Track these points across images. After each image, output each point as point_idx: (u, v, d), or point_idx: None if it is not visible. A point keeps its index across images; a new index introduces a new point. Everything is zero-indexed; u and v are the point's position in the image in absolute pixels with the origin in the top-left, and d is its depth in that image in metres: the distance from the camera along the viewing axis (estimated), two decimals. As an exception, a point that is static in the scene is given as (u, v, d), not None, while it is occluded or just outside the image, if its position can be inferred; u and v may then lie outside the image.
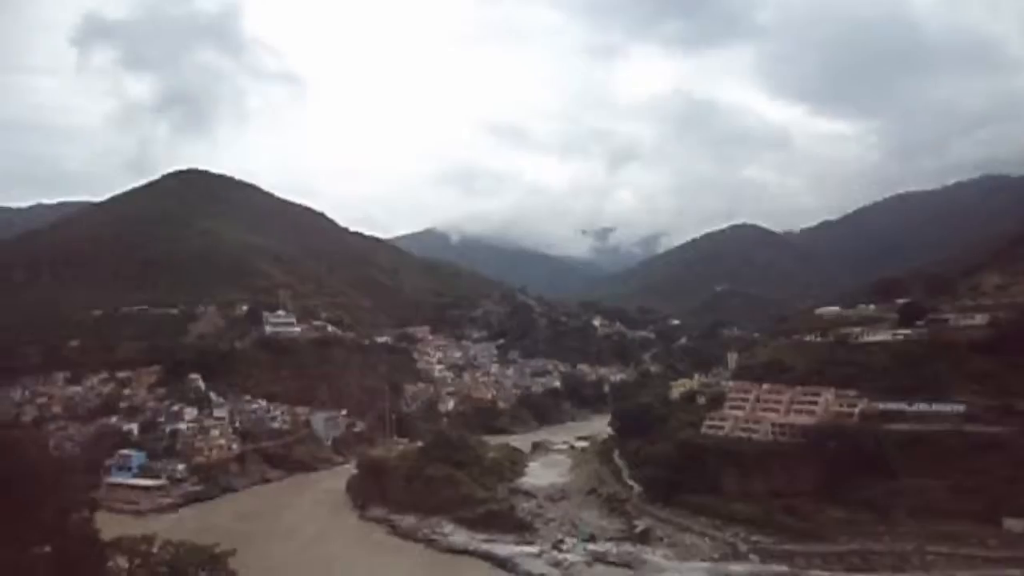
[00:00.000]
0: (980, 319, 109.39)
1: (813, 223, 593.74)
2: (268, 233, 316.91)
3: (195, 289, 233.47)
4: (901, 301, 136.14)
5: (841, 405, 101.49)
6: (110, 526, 51.83)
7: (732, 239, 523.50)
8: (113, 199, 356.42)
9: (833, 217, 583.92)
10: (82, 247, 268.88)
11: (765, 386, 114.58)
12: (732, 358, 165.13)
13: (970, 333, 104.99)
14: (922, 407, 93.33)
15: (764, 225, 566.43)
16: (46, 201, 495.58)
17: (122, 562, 42.54)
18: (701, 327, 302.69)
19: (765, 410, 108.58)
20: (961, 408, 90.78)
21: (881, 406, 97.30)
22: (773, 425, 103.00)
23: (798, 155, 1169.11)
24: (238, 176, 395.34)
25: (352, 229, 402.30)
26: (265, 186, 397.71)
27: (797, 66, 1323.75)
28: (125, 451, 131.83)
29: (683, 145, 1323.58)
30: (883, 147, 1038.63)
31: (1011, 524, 76.68)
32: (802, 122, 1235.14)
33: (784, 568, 79.70)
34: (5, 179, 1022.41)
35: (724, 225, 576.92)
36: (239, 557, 50.01)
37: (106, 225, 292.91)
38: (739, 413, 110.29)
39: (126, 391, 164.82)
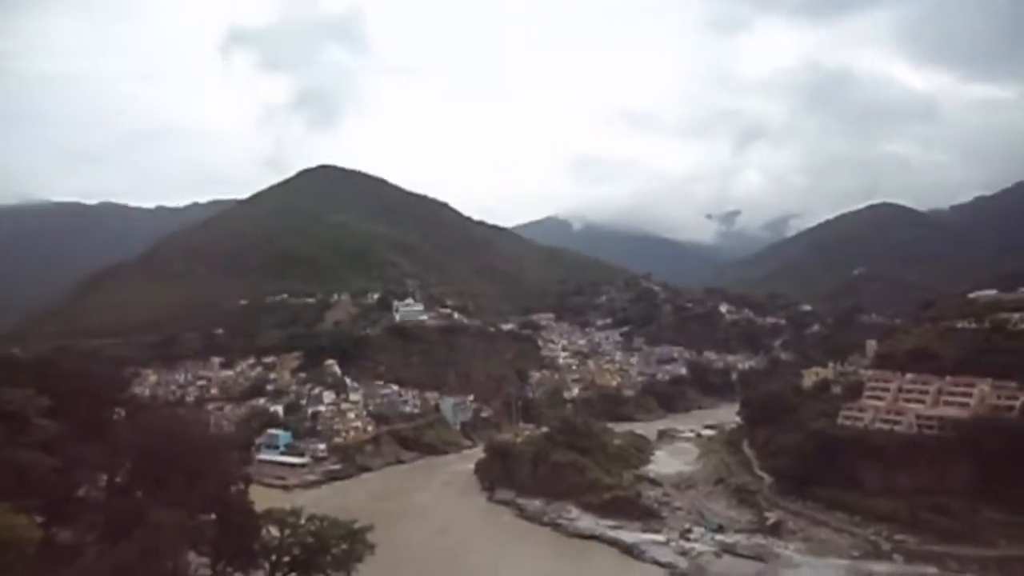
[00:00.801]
0: None
1: (964, 199, 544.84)
2: (395, 224, 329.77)
3: (329, 279, 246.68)
4: None
5: (999, 397, 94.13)
6: (261, 499, 56.41)
7: (870, 219, 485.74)
8: (255, 196, 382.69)
9: (988, 192, 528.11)
10: (229, 242, 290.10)
11: (909, 376, 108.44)
12: (871, 346, 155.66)
13: None
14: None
15: (907, 204, 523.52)
16: (200, 200, 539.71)
17: (274, 531, 45.56)
18: (835, 313, 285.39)
19: (909, 401, 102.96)
20: None
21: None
22: (918, 417, 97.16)
23: (946, 126, 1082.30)
24: (366, 170, 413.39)
25: (475, 219, 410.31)
26: (391, 179, 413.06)
27: (945, 28, 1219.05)
28: (273, 430, 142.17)
29: (814, 121, 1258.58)
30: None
31: None
32: (951, 90, 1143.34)
33: (933, 570, 75.54)
34: (166, 182, 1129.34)
35: (861, 205, 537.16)
36: (376, 533, 52.45)
37: (249, 220, 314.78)
38: (879, 404, 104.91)
39: (271, 375, 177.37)
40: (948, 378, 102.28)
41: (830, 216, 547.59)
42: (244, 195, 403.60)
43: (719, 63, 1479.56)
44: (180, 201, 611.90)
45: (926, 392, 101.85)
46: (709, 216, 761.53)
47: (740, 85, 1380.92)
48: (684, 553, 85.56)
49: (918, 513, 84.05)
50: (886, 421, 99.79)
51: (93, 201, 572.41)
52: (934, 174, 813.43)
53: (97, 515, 40.05)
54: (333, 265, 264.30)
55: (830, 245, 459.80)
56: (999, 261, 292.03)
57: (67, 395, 44.67)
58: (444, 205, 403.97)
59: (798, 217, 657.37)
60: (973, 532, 79.07)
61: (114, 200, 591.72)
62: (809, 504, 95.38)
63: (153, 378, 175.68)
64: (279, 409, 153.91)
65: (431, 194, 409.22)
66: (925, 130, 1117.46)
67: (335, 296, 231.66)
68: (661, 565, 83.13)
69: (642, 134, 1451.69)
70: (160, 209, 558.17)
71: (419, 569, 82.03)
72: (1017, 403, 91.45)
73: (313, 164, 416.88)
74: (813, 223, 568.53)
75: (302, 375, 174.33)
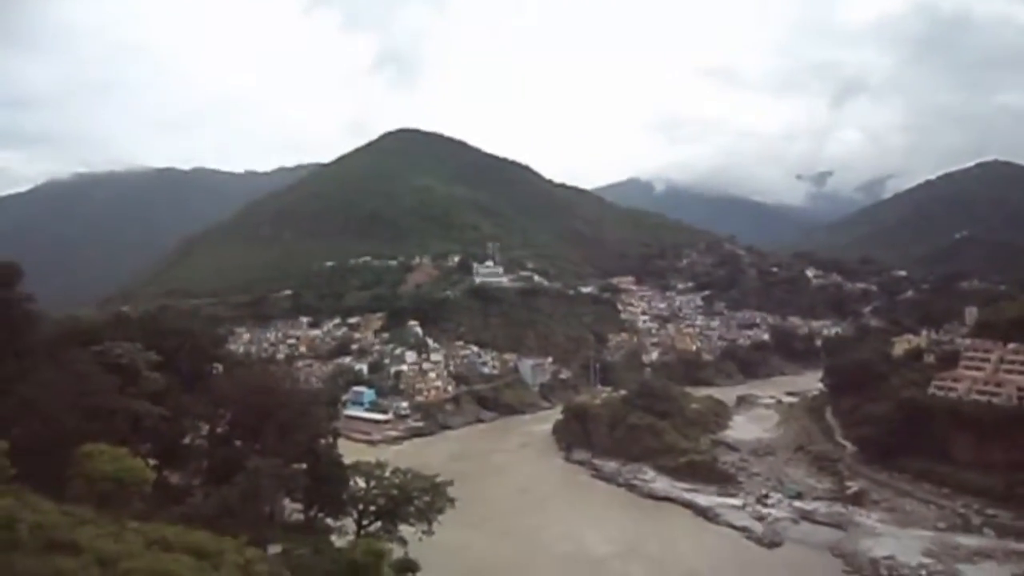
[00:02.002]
0: None
1: None
2: (476, 187, 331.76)
3: (411, 241, 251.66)
4: None
5: None
6: (349, 451, 59.37)
7: (978, 179, 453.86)
8: (339, 160, 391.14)
9: None
10: (314, 205, 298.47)
11: (1012, 346, 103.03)
12: (971, 313, 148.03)
13: None
14: None
15: (1022, 162, 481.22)
16: (286, 165, 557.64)
17: (361, 482, 47.93)
18: (933, 279, 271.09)
19: (1011, 373, 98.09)
20: None
21: None
22: (1020, 389, 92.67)
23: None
24: (447, 132, 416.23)
25: (556, 181, 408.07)
26: (472, 141, 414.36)
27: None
28: (358, 388, 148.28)
29: (921, 73, 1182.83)
30: None
31: None
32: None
33: (1025, 546, 72.17)
34: (254, 147, 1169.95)
35: (969, 163, 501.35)
36: (456, 488, 54.44)
37: (333, 184, 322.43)
38: (977, 374, 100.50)
39: (356, 335, 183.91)
40: None
41: (932, 176, 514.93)
42: (328, 159, 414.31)
43: (816, 11, 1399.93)
44: (267, 166, 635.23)
45: None
46: (799, 177, 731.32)
47: (840, 35, 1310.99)
48: (760, 518, 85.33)
49: (1014, 488, 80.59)
50: (983, 392, 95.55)
51: (187, 167, 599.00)
52: None
53: (202, 461, 43.47)
54: (415, 228, 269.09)
55: (931, 207, 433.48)
56: None
57: (171, 350, 47.88)
58: (525, 167, 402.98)
59: (897, 178, 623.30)
60: (1074, 510, 75.46)
61: (206, 166, 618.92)
62: (894, 475, 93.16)
63: (246, 336, 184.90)
64: (364, 368, 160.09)
65: (512, 156, 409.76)
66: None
67: (416, 259, 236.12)
68: (736, 528, 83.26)
69: (729, 91, 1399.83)
70: (248, 174, 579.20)
71: (500, 523, 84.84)
72: None
73: (395, 127, 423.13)
74: (912, 184, 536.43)
75: (385, 335, 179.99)
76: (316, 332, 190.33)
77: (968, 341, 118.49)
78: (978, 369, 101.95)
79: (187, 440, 44.31)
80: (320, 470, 44.16)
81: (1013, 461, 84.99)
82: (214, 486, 37.84)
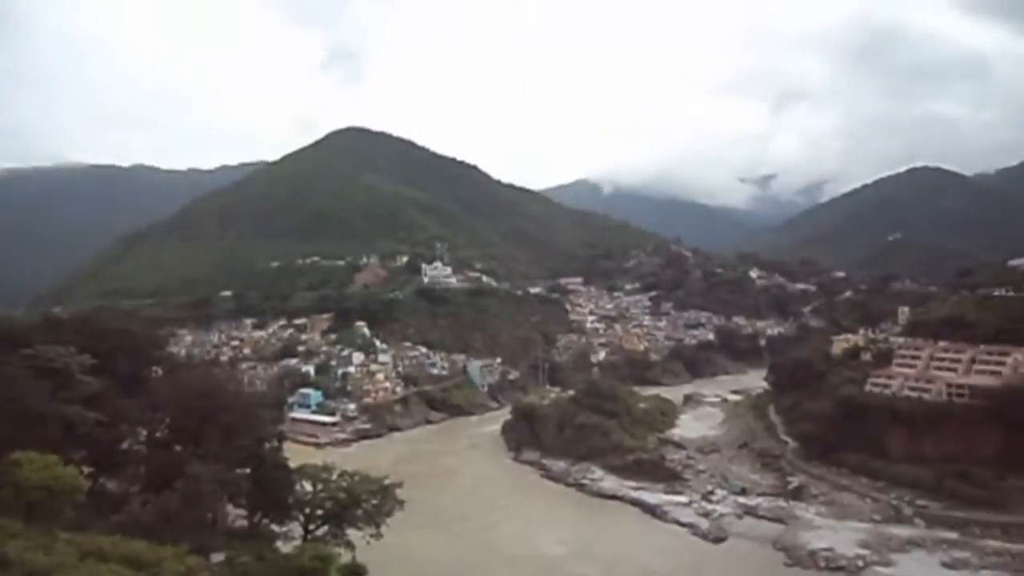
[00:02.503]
0: None
1: (1013, 162, 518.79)
2: (424, 186, 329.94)
3: (359, 241, 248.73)
4: None
5: None
6: (295, 455, 58.28)
7: (909, 184, 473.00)
8: (285, 158, 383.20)
9: None
10: (260, 204, 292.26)
11: (942, 344, 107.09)
12: (903, 313, 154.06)
13: None
14: None
15: (950, 168, 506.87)
16: (230, 163, 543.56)
17: (307, 485, 47.16)
18: (869, 280, 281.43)
19: (940, 369, 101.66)
20: None
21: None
22: (949, 385, 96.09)
23: (997, 84, 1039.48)
24: (395, 132, 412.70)
25: (505, 181, 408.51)
26: (420, 141, 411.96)
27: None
28: (304, 390, 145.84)
29: (857, 82, 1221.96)
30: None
31: None
32: (1004, 45, 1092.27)
33: (954, 535, 75.56)
34: (197, 144, 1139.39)
35: (901, 169, 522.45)
36: (406, 490, 53.88)
37: (280, 183, 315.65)
38: (909, 371, 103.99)
39: (303, 336, 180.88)
40: (982, 347, 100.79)
41: (868, 181, 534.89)
42: (274, 157, 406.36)
43: (760, 19, 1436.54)
44: (211, 163, 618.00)
45: (958, 360, 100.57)
46: (743, 180, 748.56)
47: (782, 43, 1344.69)
48: (706, 514, 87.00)
49: (943, 480, 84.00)
50: (915, 389, 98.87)
51: (126, 163, 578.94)
52: (982, 136, 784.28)
53: (140, 467, 42.11)
54: (363, 227, 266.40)
55: (866, 211, 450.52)
56: None
57: (107, 353, 46.28)
58: (473, 167, 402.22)
59: (834, 182, 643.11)
60: (998, 499, 79.13)
61: (146, 162, 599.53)
62: (833, 469, 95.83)
63: (188, 338, 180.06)
64: (310, 369, 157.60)
65: (460, 156, 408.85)
66: (975, 89, 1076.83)
67: (364, 259, 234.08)
68: (682, 525, 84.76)
69: (676, 95, 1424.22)
70: (191, 171, 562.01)
71: (451, 525, 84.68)
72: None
73: (343, 125, 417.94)
74: (849, 188, 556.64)
75: (332, 336, 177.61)
76: (261, 333, 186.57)
77: (901, 340, 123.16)
78: (910, 366, 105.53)
79: (125, 446, 42.91)
80: (265, 474, 43.29)
81: (942, 454, 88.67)
82: (153, 493, 36.80)
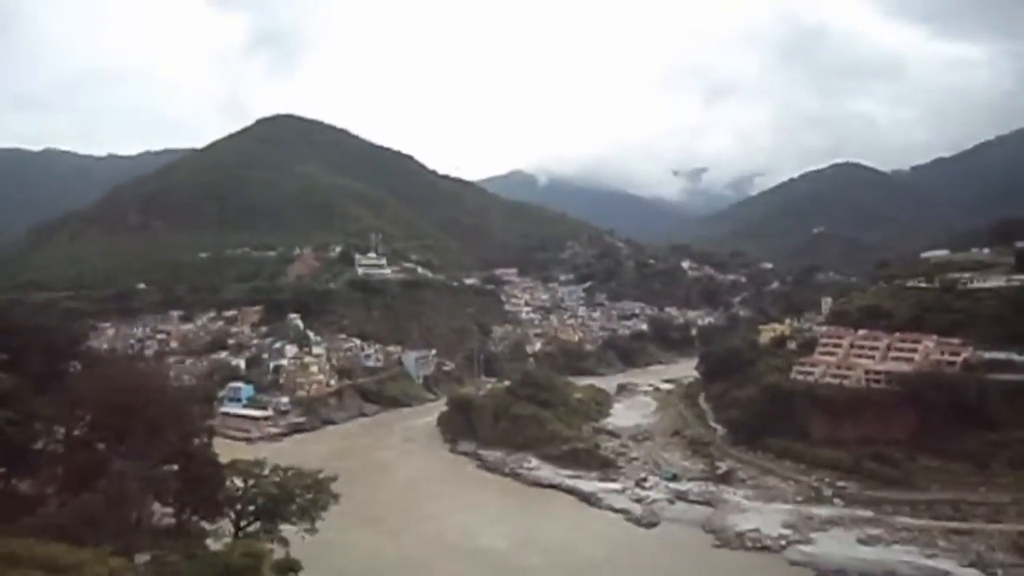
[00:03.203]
0: None
1: (926, 160, 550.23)
2: (358, 176, 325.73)
3: (291, 232, 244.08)
4: (1022, 245, 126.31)
5: (943, 353, 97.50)
6: (225, 451, 56.75)
7: (833, 179, 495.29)
8: (212, 145, 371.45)
9: (949, 154, 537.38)
10: (187, 192, 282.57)
11: (861, 332, 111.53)
12: (826, 303, 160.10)
13: None
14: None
15: (871, 164, 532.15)
16: (152, 149, 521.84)
17: (238, 481, 46.14)
18: (795, 271, 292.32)
19: (859, 357, 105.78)
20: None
21: (987, 355, 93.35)
22: (867, 372, 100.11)
23: (914, 85, 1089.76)
24: (327, 120, 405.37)
25: (440, 172, 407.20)
26: (354, 130, 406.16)
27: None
28: (235, 384, 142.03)
29: (785, 78, 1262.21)
30: (1018, 73, 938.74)
31: None
32: (920, 46, 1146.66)
33: (869, 513, 79.20)
34: (117, 129, 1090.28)
35: (825, 164, 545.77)
36: (342, 484, 53.19)
37: (207, 171, 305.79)
38: (831, 359, 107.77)
39: (233, 329, 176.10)
40: (897, 335, 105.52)
41: (794, 175, 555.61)
42: (200, 144, 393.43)
43: (694, 17, 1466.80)
44: (132, 149, 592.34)
45: (876, 348, 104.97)
46: (675, 173, 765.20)
47: (714, 39, 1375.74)
48: (639, 500, 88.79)
49: (860, 461, 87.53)
50: (836, 375, 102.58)
51: (37, 147, 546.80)
52: (899, 134, 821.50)
53: (56, 467, 40.24)
54: (295, 218, 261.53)
55: (792, 204, 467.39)
56: (954, 222, 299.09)
57: (20, 348, 44.11)
58: (409, 157, 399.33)
59: (763, 175, 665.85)
60: (910, 479, 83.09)
61: (60, 147, 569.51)
62: (759, 454, 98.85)
63: (111, 332, 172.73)
64: (241, 363, 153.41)
65: (396, 146, 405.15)
66: (893, 88, 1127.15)
67: (297, 249, 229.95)
68: (617, 511, 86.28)
69: (610, 89, 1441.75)
70: (111, 157, 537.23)
71: (390, 519, 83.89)
72: (959, 359, 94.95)
73: (272, 113, 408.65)
74: (777, 182, 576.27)
75: (264, 329, 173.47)
76: (189, 326, 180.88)
77: (824, 328, 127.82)
78: (832, 354, 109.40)
79: (39, 445, 40.90)
80: (193, 471, 42.19)
81: (860, 437, 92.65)
82: (71, 494, 35.20)
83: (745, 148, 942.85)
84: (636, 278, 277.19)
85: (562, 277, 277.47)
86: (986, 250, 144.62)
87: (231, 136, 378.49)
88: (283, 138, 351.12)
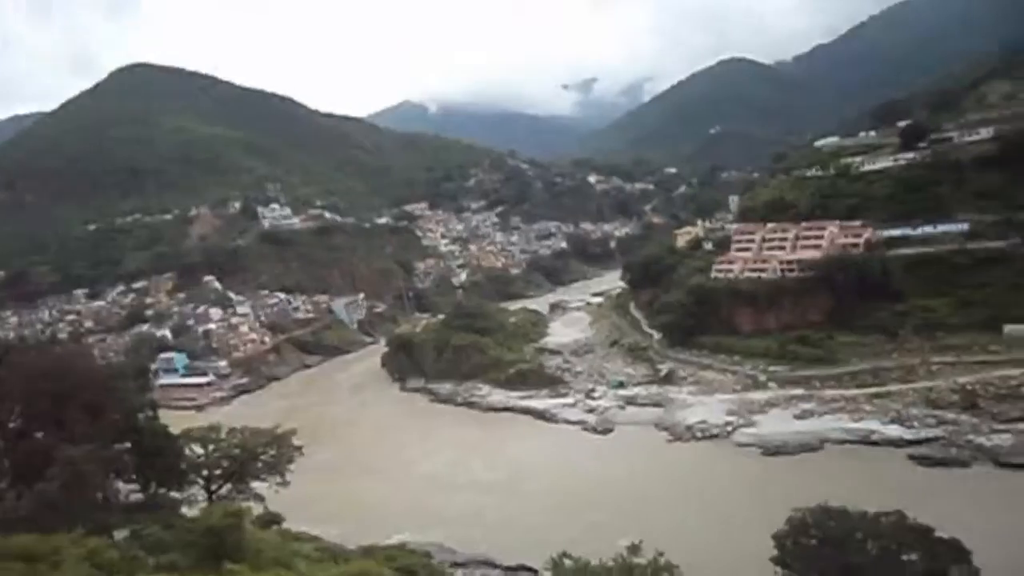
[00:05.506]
0: (985, 133, 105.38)
1: (807, 48, 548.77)
2: (238, 125, 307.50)
3: (182, 191, 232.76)
4: (902, 124, 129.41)
5: (846, 236, 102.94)
6: (176, 421, 55.45)
7: (721, 77, 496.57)
8: (65, 105, 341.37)
9: (827, 40, 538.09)
10: (52, 161, 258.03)
11: (770, 226, 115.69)
12: (734, 201, 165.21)
13: (974, 150, 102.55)
14: (926, 230, 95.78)
15: (755, 57, 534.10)
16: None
17: (198, 449, 46.14)
18: (699, 173, 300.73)
19: (771, 249, 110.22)
20: (964, 227, 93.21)
21: (886, 233, 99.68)
22: (780, 263, 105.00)
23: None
24: (189, 66, 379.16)
25: (324, 111, 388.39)
26: (221, 75, 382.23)
27: None
28: (166, 354, 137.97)
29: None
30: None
31: (1011, 330, 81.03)
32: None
33: (801, 391, 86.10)
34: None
35: (712, 62, 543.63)
36: (303, 435, 53.42)
37: (69, 134, 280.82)
38: (746, 255, 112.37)
39: (148, 300, 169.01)
40: (803, 224, 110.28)
41: (683, 76, 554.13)
42: (51, 106, 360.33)
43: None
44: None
45: (785, 239, 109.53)
46: (566, 86, 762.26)
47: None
48: (592, 411, 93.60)
49: (786, 346, 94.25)
50: (754, 269, 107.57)
51: None
52: (779, 23, 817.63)
53: (2, 461, 38.98)
54: (182, 176, 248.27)
55: (686, 106, 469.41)
56: (840, 108, 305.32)
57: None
58: (287, 99, 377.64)
59: (653, 80, 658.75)
60: (831, 355, 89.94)
61: None
62: (695, 352, 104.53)
63: (13, 319, 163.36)
64: (167, 333, 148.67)
65: (268, 88, 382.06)
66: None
67: (193, 209, 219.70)
68: (573, 423, 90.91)
69: (490, 4, 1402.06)
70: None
71: (373, 464, 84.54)
72: (861, 240, 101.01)
73: (127, 63, 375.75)
74: (668, 85, 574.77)
75: (181, 296, 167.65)
76: (99, 303, 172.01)
77: (735, 226, 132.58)
78: (746, 250, 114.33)
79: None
80: (147, 445, 41.58)
81: (783, 324, 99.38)
82: (26, 485, 34.50)
83: (632, 53, 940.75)
84: (546, 198, 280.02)
85: (473, 205, 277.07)
86: (872, 133, 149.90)
87: (85, 93, 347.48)
88: (144, 90, 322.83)
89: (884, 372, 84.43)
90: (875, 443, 70.94)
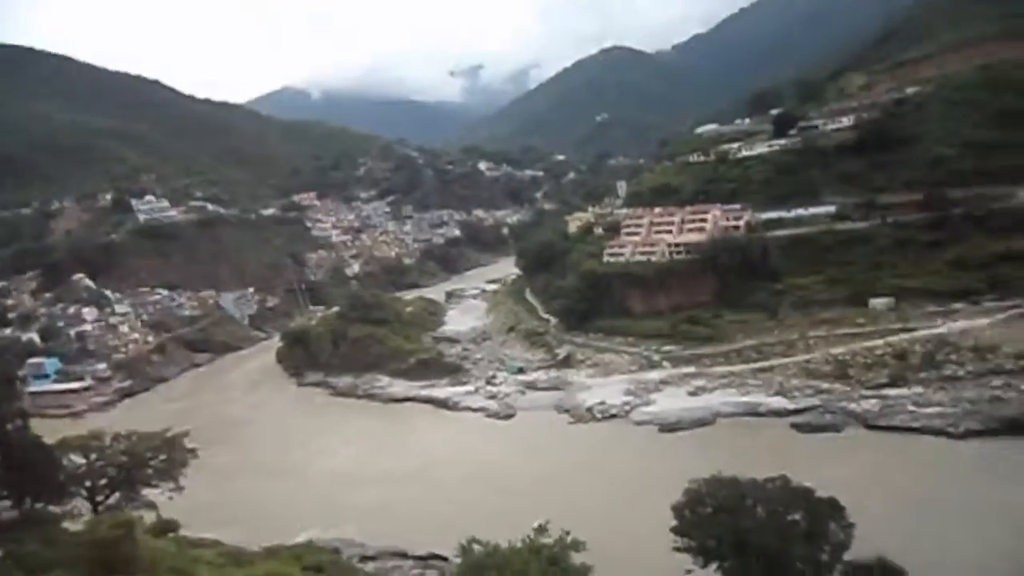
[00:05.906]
0: (846, 121, 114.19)
1: (685, 38, 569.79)
2: (102, 111, 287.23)
3: (42, 183, 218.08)
4: (774, 112, 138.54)
5: (728, 219, 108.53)
6: (49, 431, 51.59)
7: (605, 65, 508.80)
8: None
9: (703, 29, 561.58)
10: None
11: (657, 210, 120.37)
12: (621, 187, 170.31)
13: (837, 137, 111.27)
14: (799, 212, 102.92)
15: (636, 46, 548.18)
16: None
17: (78, 458, 43.71)
18: (587, 160, 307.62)
19: (659, 233, 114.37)
20: (832, 209, 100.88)
21: (764, 216, 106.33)
22: (668, 246, 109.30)
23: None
24: (40, 47, 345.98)
25: (199, 97, 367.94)
26: (79, 56, 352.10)
27: None
28: (34, 359, 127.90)
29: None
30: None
31: (875, 303, 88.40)
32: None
33: (692, 369, 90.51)
34: None
35: (595, 50, 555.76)
36: (197, 437, 51.64)
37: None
38: (636, 239, 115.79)
39: (9, 301, 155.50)
40: (687, 208, 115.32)
41: (568, 64, 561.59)
42: None
43: None
44: None
45: (672, 223, 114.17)
46: (452, 73, 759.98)
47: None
48: (493, 397, 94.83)
49: (677, 326, 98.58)
50: (644, 253, 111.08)
51: None
52: (656, 12, 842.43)
53: None
54: (43, 166, 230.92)
55: (572, 93, 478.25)
56: (718, 96, 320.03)
57: None
58: (155, 83, 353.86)
59: (539, 67, 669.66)
60: (719, 334, 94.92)
61: None
62: (591, 335, 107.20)
63: None
64: (34, 336, 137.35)
65: (133, 71, 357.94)
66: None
67: (56, 203, 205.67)
68: (475, 411, 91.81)
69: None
70: None
71: (282, 463, 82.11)
72: (742, 222, 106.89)
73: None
74: (553, 72, 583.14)
75: (47, 295, 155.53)
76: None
77: (624, 211, 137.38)
78: (636, 234, 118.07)
79: None
80: (17, 458, 38.90)
81: (673, 305, 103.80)
82: None
83: (518, 39, 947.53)
84: (438, 185, 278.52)
85: (363, 195, 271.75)
86: (747, 120, 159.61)
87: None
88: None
89: (767, 348, 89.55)
90: (761, 415, 75.64)
